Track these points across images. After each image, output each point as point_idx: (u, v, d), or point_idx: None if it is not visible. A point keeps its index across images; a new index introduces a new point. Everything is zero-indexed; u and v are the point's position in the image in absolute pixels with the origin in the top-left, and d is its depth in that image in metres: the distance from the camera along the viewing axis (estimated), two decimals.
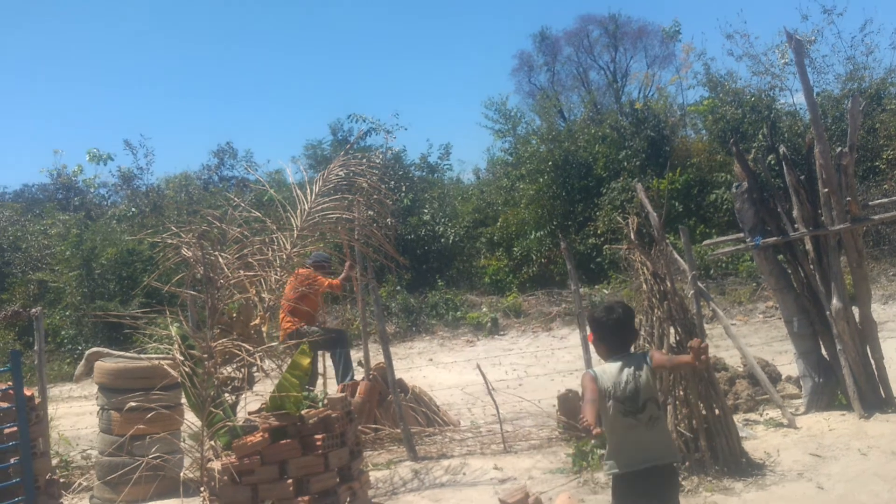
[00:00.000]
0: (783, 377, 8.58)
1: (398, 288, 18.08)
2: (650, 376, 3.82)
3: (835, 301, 7.26)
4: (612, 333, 3.95)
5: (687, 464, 6.03)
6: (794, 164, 7.84)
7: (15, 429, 5.30)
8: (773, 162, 13.35)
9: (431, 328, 16.70)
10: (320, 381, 8.74)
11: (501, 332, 16.05)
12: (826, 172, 7.35)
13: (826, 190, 7.36)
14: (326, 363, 9.00)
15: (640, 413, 3.77)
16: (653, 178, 18.76)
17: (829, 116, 18.05)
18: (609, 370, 3.86)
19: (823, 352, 7.59)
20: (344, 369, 8.76)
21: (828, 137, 8.03)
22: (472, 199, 23.53)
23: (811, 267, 7.59)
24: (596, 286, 17.30)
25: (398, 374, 8.23)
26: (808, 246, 7.59)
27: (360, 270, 8.82)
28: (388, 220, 9.19)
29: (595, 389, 3.74)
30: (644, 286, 6.54)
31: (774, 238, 7.63)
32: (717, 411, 6.26)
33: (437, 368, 12.90)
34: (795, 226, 7.58)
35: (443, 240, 20.74)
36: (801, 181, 7.65)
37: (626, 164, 19.68)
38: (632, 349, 4.03)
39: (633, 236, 6.64)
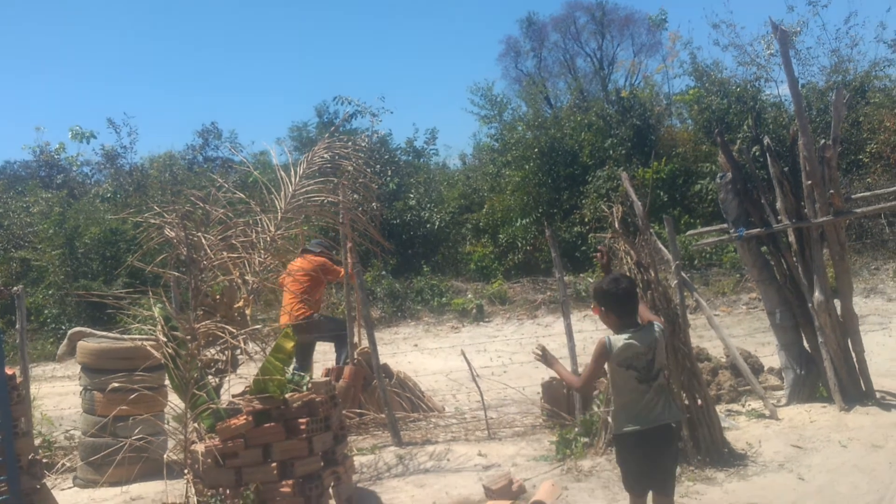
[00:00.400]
0: (765, 368, 8.65)
1: (383, 273, 18.06)
2: (663, 348, 4.17)
3: (817, 294, 7.32)
4: (620, 303, 4.17)
5: None
6: (779, 156, 7.88)
7: None
8: (757, 153, 13.43)
9: (416, 314, 16.70)
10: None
11: (486, 319, 16.08)
12: (809, 165, 7.38)
13: (809, 182, 7.39)
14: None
15: (653, 381, 4.11)
16: (638, 167, 18.80)
17: (813, 108, 18.13)
18: (626, 341, 4.09)
19: (805, 344, 7.66)
20: (345, 355, 8.68)
21: (812, 129, 8.08)
22: (457, 185, 23.50)
23: (794, 259, 7.64)
24: (581, 274, 17.32)
25: (383, 360, 8.23)
26: (791, 238, 7.63)
27: (344, 253, 8.80)
28: (374, 204, 9.16)
29: (599, 364, 4.20)
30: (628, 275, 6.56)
31: (758, 230, 7.68)
32: (699, 401, 6.31)
33: (422, 354, 12.91)
34: (779, 218, 7.62)
35: (428, 225, 20.71)
36: (785, 173, 7.69)
37: (611, 152, 19.68)
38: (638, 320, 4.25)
39: (617, 225, 6.66)
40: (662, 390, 4.15)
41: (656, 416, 4.10)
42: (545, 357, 4.42)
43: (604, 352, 4.13)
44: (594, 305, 4.32)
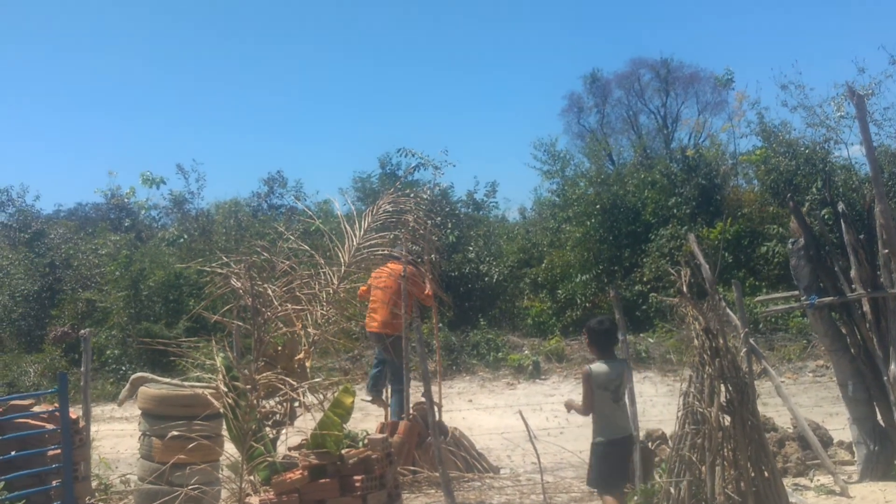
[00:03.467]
0: (835, 441, 8.32)
1: (440, 325, 17.95)
2: (628, 378, 5.97)
3: (893, 366, 7.04)
4: (601, 338, 5.85)
5: None
6: (851, 221, 7.67)
7: (59, 451, 5.34)
8: (826, 216, 13.11)
9: (472, 368, 16.54)
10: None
11: (543, 377, 15.83)
12: (887, 233, 7.17)
13: (886, 251, 7.17)
14: None
15: (619, 400, 5.73)
16: (703, 226, 18.53)
17: (886, 172, 17.66)
18: (603, 369, 5.70)
19: (879, 418, 7.35)
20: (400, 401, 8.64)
21: (885, 192, 7.85)
22: (517, 239, 23.39)
23: (868, 329, 7.38)
24: (641, 334, 17.01)
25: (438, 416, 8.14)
26: (866, 308, 7.38)
27: (405, 307, 8.78)
28: (433, 256, 9.14)
29: (590, 387, 5.66)
30: (695, 341, 6.39)
31: (831, 298, 7.44)
32: (766, 474, 6.06)
33: (477, 411, 12.76)
34: (853, 286, 7.38)
35: (486, 278, 20.60)
36: (860, 240, 7.47)
37: (675, 211, 19.44)
38: (616, 353, 5.96)
39: (685, 289, 6.51)
40: (624, 409, 5.87)
41: (622, 428, 5.75)
42: (569, 405, 6.06)
43: (588, 377, 5.68)
44: (586, 338, 6.06)
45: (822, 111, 20.54)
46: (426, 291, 8.84)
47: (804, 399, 11.80)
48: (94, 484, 7.17)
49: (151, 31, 77.07)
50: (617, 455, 5.72)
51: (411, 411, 8.23)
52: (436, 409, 8.08)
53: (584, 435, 9.91)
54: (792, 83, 21.32)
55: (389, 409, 8.86)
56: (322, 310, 6.41)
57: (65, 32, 73.45)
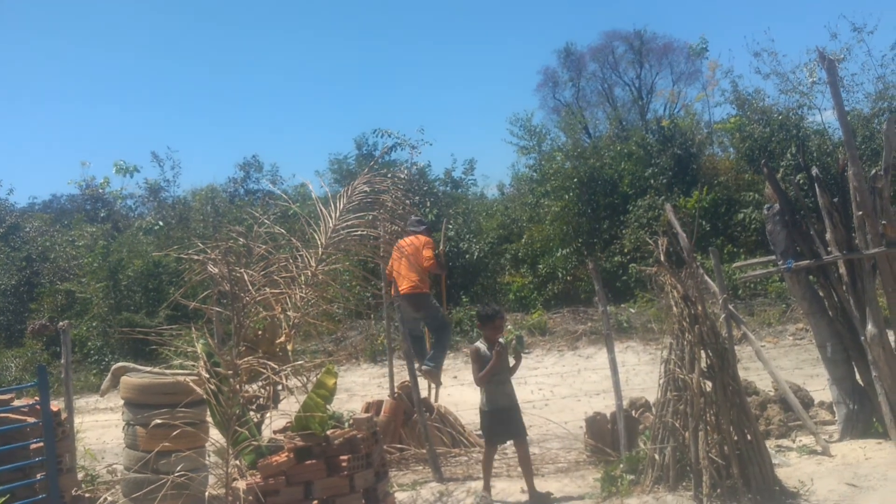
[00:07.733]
0: (815, 402, 8.42)
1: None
2: (506, 358, 6.64)
3: (870, 326, 7.11)
4: (485, 321, 6.72)
5: (718, 491, 5.91)
6: (825, 185, 7.72)
7: (42, 444, 5.31)
8: (801, 181, 13.20)
9: (455, 345, 16.56)
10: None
11: (526, 350, 15.86)
12: (860, 195, 7.22)
13: (860, 213, 7.23)
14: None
15: (502, 376, 6.55)
16: (679, 196, 18.62)
17: (858, 136, 17.78)
18: (486, 348, 6.60)
19: (858, 378, 7.45)
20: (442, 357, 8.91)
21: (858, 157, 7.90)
22: (496, 215, 23.39)
23: (845, 291, 7.45)
24: (622, 305, 17.11)
25: (423, 393, 8.16)
26: (842, 270, 7.45)
27: (385, 287, 8.81)
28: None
29: (482, 360, 6.58)
30: (674, 309, 6.44)
31: (807, 261, 7.51)
32: (749, 437, 6.14)
33: (462, 386, 12.78)
34: (828, 249, 7.45)
35: (467, 256, 20.62)
36: (835, 203, 7.52)
37: (652, 181, 19.51)
38: (501, 338, 6.76)
39: (662, 258, 6.55)
40: (508, 385, 6.61)
41: (505, 402, 6.55)
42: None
43: (478, 355, 6.59)
44: (478, 321, 7.01)
45: (794, 77, 20.71)
46: (432, 263, 8.95)
47: (785, 362, 11.93)
48: (80, 475, 7.13)
49: (120, 18, 76.12)
50: (497, 422, 6.64)
51: (396, 389, 8.25)
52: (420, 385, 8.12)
53: (568, 407, 10.05)
54: (765, 50, 21.51)
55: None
56: (301, 292, 6.38)
57: (31, 21, 72.32)
